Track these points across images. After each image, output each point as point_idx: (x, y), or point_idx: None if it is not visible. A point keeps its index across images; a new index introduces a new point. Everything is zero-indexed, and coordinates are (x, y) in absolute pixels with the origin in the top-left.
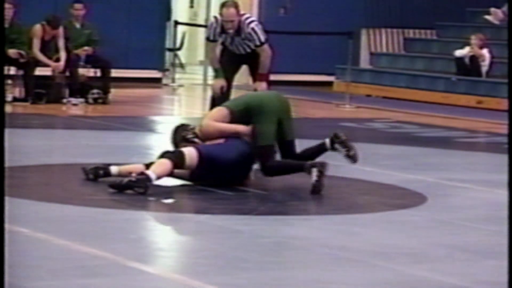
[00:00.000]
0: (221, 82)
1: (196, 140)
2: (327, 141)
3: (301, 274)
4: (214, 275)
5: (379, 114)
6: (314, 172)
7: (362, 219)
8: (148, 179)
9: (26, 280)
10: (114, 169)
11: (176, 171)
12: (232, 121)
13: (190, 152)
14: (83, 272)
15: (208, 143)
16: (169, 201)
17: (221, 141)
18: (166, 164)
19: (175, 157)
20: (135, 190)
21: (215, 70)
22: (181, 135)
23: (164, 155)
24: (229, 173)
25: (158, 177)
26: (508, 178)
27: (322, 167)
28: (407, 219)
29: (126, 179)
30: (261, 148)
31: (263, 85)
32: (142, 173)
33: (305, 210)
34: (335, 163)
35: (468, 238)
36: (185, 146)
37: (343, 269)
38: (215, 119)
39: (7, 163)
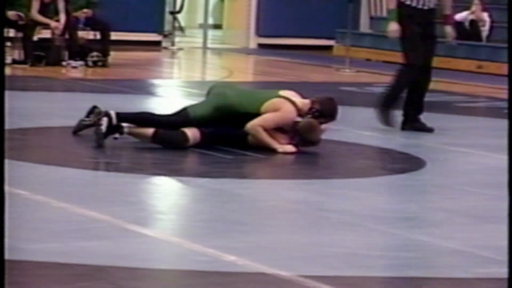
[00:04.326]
0: (395, 25)
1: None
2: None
3: (300, 238)
4: (213, 238)
5: (378, 78)
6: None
7: (361, 183)
8: None
9: (26, 242)
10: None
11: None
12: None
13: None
14: (82, 234)
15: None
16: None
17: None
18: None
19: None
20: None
21: (389, 13)
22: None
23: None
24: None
25: None
26: (508, 178)
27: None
28: (406, 183)
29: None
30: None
31: (449, 28)
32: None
33: (304, 174)
34: (335, 127)
35: (467, 203)
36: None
37: (342, 233)
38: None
39: (6, 126)
